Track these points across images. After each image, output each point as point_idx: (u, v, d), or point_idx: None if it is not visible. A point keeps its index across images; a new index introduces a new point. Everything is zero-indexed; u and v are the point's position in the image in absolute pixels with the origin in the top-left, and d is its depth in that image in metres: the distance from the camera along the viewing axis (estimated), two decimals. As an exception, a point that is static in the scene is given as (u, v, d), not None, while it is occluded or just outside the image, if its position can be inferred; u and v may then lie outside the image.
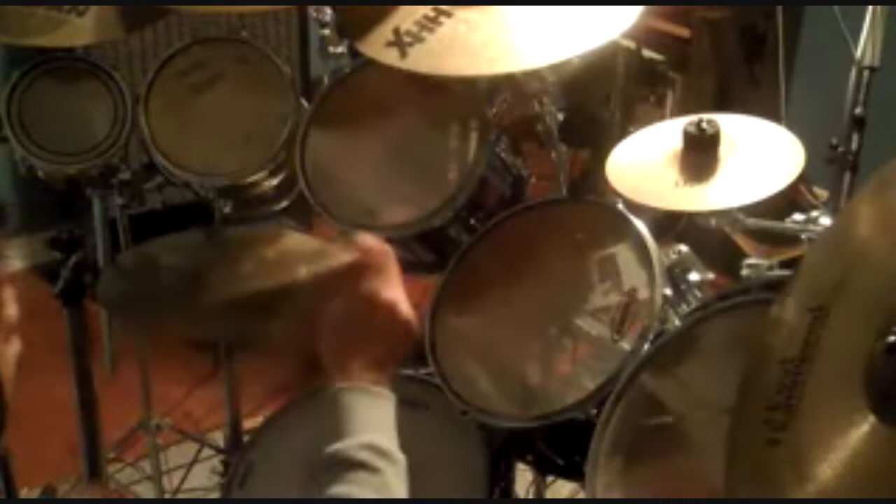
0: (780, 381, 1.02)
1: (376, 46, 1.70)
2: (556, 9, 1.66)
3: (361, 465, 1.07)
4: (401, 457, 1.11)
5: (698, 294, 1.68)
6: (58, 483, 2.32)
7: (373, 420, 1.11)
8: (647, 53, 3.45)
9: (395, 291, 1.17)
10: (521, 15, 1.66)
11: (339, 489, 1.06)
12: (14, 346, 1.18)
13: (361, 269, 1.17)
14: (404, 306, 1.17)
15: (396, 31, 1.69)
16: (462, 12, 1.69)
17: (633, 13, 1.63)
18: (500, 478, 1.77)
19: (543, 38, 1.64)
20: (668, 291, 1.65)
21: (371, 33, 1.71)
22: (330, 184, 1.94)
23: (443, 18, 1.69)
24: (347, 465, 1.07)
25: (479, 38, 1.65)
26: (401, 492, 1.09)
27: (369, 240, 1.19)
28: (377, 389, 1.13)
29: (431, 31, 1.67)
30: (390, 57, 1.67)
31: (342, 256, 1.18)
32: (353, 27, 1.78)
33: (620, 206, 1.75)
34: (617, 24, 1.64)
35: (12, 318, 1.18)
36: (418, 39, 1.67)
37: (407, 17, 1.71)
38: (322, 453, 1.09)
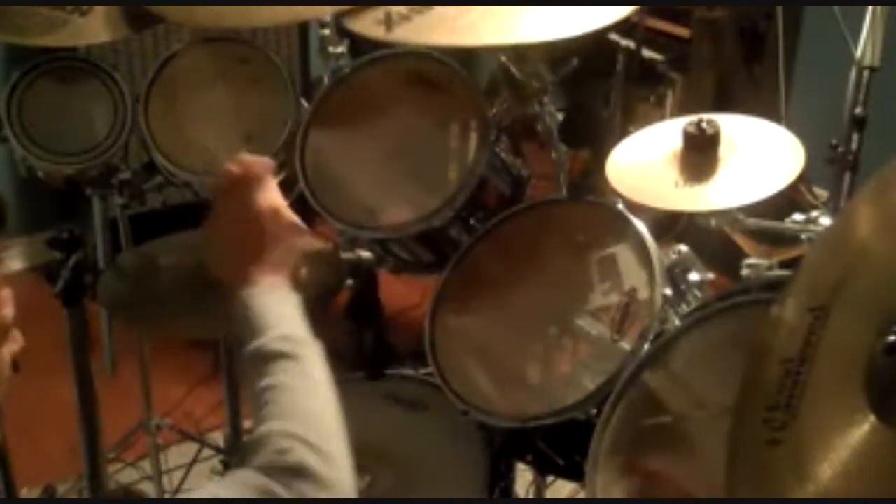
0: (780, 381, 1.02)
1: (365, 23, 1.72)
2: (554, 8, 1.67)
3: (281, 356, 1.14)
4: (314, 342, 1.17)
5: (698, 294, 1.68)
6: (58, 483, 2.32)
7: (284, 314, 1.18)
8: (647, 53, 3.45)
9: (274, 198, 1.26)
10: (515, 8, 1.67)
11: (266, 381, 1.12)
12: (13, 344, 1.18)
13: (239, 184, 1.24)
14: (286, 211, 1.26)
15: (387, 13, 1.71)
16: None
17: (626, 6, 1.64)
18: (500, 478, 1.77)
19: (534, 21, 1.65)
20: (668, 291, 1.65)
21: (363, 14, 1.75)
22: (330, 184, 1.94)
23: (436, 7, 1.72)
24: (268, 358, 1.14)
25: (467, 20, 1.67)
26: (321, 372, 1.15)
27: (246, 157, 1.26)
28: (281, 288, 1.20)
29: (421, 13, 1.70)
30: (376, 32, 1.69)
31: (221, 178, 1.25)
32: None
33: (620, 206, 1.75)
34: (606, 14, 1.65)
35: (7, 319, 1.18)
36: (406, 19, 1.69)
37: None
38: (245, 352, 1.16)
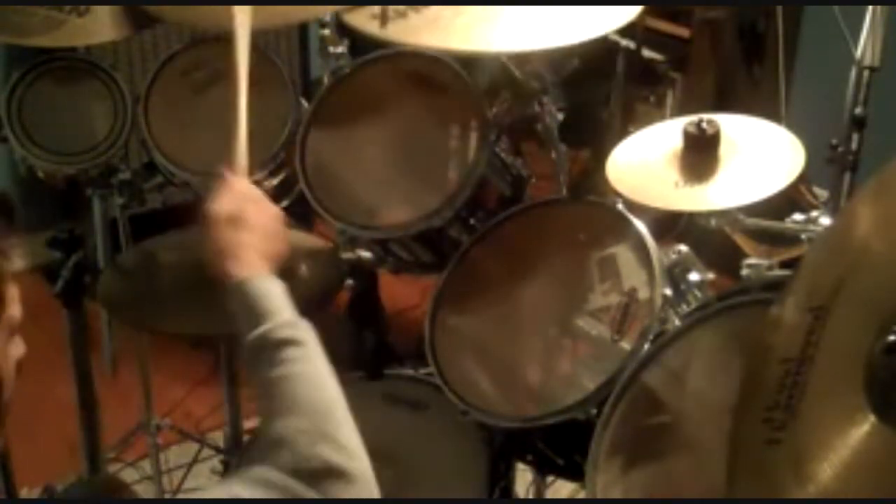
0: (780, 381, 1.02)
1: (360, 18, 1.72)
2: (553, 8, 1.67)
3: (288, 342, 1.15)
4: (309, 326, 1.19)
5: (698, 294, 1.68)
6: (58, 483, 2.32)
7: (283, 300, 1.19)
8: (647, 53, 3.45)
9: (251, 190, 1.33)
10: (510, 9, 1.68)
11: (276, 371, 1.13)
12: (17, 348, 1.18)
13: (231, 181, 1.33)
14: (266, 202, 1.31)
15: (384, 9, 1.72)
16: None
17: (629, 11, 1.64)
18: (500, 478, 1.77)
19: (530, 26, 1.65)
20: (668, 291, 1.65)
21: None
22: (330, 184, 1.94)
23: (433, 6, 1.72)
24: (275, 345, 1.14)
25: (462, 20, 1.67)
26: (323, 357, 1.16)
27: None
28: (272, 275, 1.23)
29: (418, 11, 1.71)
30: (370, 27, 1.70)
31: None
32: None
33: (620, 206, 1.75)
34: (609, 22, 1.65)
35: (16, 319, 1.18)
36: (402, 16, 1.70)
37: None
38: (248, 341, 1.16)
